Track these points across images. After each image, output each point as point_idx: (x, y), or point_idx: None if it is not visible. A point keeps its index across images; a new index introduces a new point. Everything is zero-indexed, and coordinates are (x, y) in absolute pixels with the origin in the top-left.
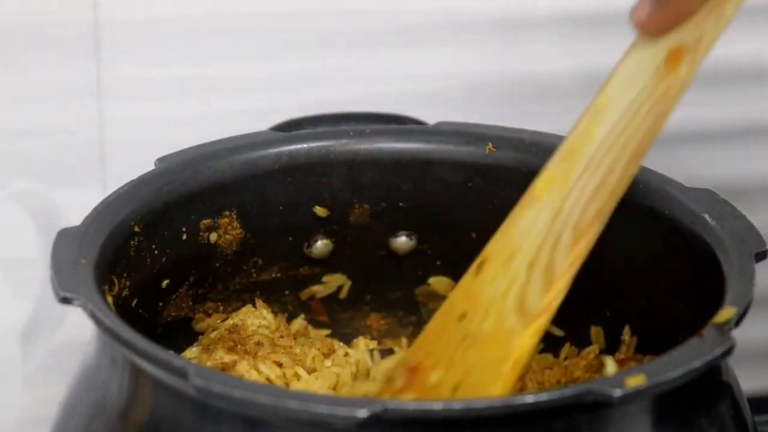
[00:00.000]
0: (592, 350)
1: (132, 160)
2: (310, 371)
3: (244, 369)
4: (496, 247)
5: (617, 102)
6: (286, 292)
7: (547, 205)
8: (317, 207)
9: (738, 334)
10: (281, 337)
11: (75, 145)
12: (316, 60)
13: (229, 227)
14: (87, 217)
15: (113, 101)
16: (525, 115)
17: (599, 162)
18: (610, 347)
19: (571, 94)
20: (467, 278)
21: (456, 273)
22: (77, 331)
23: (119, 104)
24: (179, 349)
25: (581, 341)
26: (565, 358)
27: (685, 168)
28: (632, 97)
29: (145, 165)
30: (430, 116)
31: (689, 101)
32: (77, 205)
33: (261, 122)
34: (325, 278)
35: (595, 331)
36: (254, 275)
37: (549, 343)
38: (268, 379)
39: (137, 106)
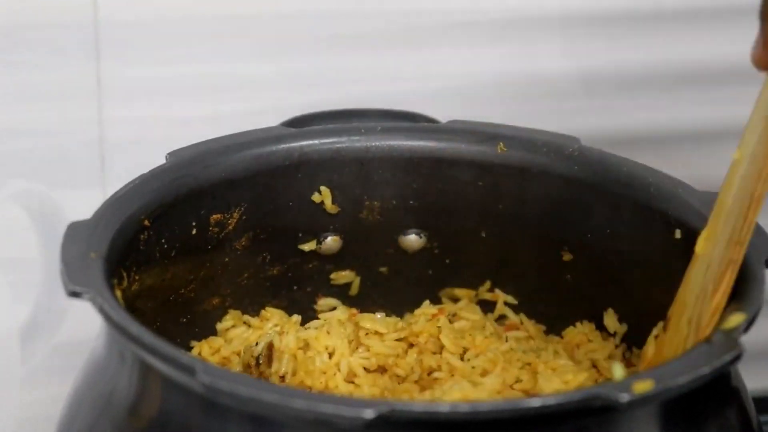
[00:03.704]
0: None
1: (132, 160)
2: None
3: None
4: (674, 304)
5: (746, 149)
6: (295, 288)
7: (702, 261)
8: (327, 203)
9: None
10: None
11: (75, 145)
12: (325, 59)
13: (239, 222)
14: (97, 211)
15: (113, 101)
16: (526, 115)
17: (730, 211)
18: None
19: (571, 94)
20: (659, 334)
21: (464, 272)
22: (77, 330)
23: (119, 104)
24: (187, 344)
25: None
26: None
27: (689, 168)
28: (754, 141)
29: (145, 165)
30: (442, 114)
31: (693, 101)
32: (77, 205)
33: (262, 122)
34: (333, 275)
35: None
36: (263, 271)
37: None
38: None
39: (137, 106)
